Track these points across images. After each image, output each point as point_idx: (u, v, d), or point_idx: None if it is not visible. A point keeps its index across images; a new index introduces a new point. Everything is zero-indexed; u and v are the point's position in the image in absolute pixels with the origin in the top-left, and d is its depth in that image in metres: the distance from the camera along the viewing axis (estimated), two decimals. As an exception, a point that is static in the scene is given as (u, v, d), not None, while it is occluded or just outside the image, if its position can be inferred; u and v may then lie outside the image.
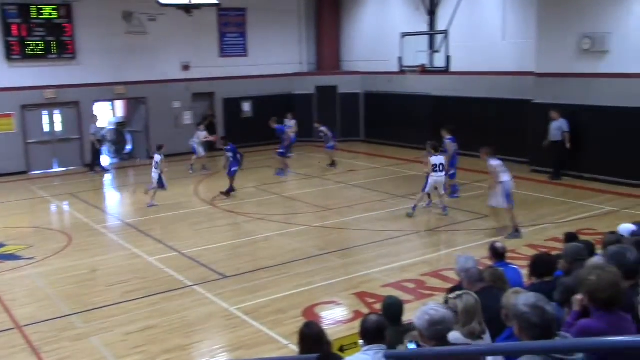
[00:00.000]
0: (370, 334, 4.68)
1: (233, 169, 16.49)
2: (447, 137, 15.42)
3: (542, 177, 17.54)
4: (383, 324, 4.73)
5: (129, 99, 23.38)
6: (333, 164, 19.98)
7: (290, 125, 21.47)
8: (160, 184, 15.72)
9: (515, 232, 12.16)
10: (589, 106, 16.74)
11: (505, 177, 12.24)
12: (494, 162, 12.25)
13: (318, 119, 22.48)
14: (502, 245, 7.37)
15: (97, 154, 21.21)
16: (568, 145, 16.89)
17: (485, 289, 5.60)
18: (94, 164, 21.14)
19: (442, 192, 14.05)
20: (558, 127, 17.03)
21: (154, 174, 15.73)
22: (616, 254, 4.70)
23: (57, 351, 8.12)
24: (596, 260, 5.64)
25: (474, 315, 4.68)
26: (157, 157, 15.79)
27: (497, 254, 7.25)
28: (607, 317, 4.01)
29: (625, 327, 4.00)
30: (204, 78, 23.71)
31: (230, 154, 16.64)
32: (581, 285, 4.17)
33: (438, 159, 13.83)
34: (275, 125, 19.77)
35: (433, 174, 13.67)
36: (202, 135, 20.58)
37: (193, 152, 20.53)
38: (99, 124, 21.53)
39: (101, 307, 9.48)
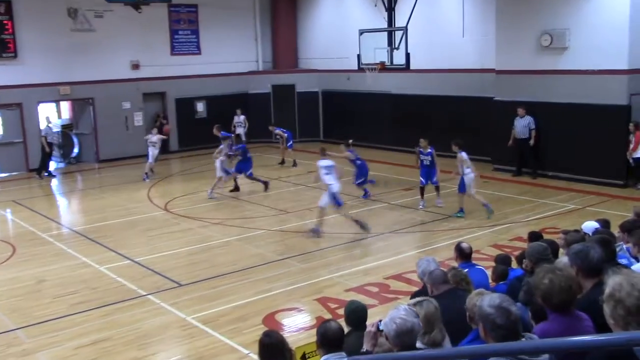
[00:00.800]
0: (328, 342, 4.69)
1: (249, 172, 17.20)
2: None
3: (504, 175, 17.85)
4: (340, 330, 4.74)
5: (75, 99, 22.97)
6: (294, 164, 20.03)
7: (240, 120, 21.44)
8: (225, 172, 16.73)
9: (461, 211, 13.87)
10: (549, 103, 17.12)
11: (469, 170, 13.74)
12: (464, 155, 13.60)
13: (273, 122, 22.40)
14: (467, 245, 7.48)
15: (46, 158, 20.61)
16: (532, 142, 17.28)
17: (450, 290, 5.68)
18: (42, 168, 20.56)
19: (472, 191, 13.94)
20: (525, 124, 17.35)
21: (217, 163, 16.87)
22: (580, 253, 4.82)
23: (3, 368, 7.94)
24: (566, 260, 5.78)
25: (435, 323, 4.73)
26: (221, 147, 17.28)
27: (463, 254, 7.36)
28: (563, 319, 4.16)
29: (581, 327, 4.14)
30: (155, 77, 23.46)
31: (239, 157, 17.11)
32: (536, 288, 4.31)
33: (466, 155, 13.92)
34: (221, 133, 18.21)
35: (467, 170, 13.78)
36: (155, 138, 19.94)
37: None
38: (49, 125, 20.82)
39: (49, 320, 9.28)
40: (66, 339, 8.54)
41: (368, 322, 4.91)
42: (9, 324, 9.23)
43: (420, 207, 14.76)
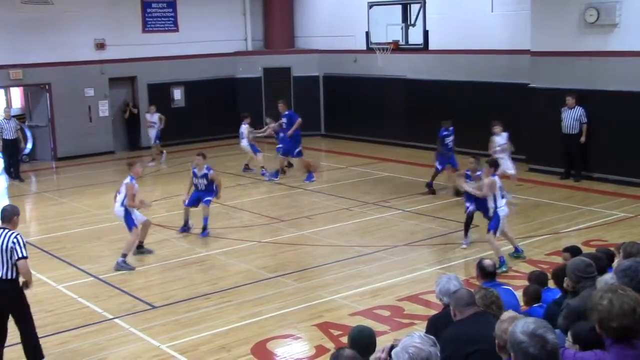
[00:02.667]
0: None
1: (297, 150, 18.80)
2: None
3: (541, 177, 17.87)
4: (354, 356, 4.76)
5: (28, 85, 23.00)
6: (289, 164, 19.99)
7: (154, 121, 21.44)
8: (254, 150, 19.29)
9: (502, 264, 11.54)
10: (594, 91, 17.13)
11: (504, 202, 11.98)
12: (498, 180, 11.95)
13: (269, 113, 21.93)
14: (491, 262, 7.50)
15: (10, 153, 20.30)
16: (583, 138, 17.09)
17: (477, 314, 5.68)
18: (11, 167, 20.36)
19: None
20: (575, 116, 17.19)
21: (244, 143, 19.27)
22: (628, 270, 4.80)
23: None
24: (608, 278, 5.79)
25: None
26: (242, 127, 19.22)
27: (485, 273, 7.37)
28: (625, 352, 4.08)
29: None
30: (124, 59, 23.50)
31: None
32: (592, 311, 4.25)
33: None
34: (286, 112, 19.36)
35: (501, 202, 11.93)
36: (155, 117, 21.42)
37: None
38: (5, 117, 20.53)
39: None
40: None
41: (378, 349, 4.93)
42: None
43: (464, 245, 12.91)
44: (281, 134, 19.06)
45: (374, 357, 4.81)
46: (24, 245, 8.22)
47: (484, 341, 5.00)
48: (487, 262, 7.47)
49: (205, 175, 14.05)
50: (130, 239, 12.37)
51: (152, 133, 21.66)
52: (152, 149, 21.84)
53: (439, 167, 16.59)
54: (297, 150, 18.80)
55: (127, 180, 12.38)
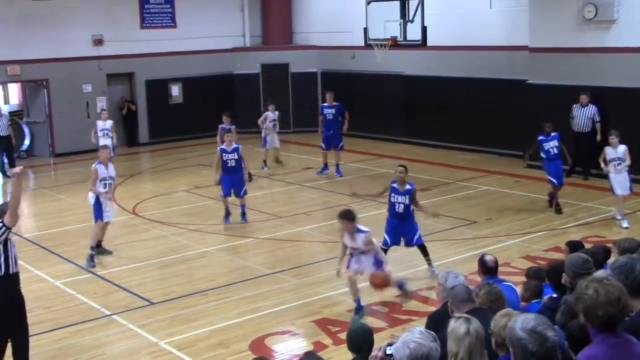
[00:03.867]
0: None
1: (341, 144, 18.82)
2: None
3: (541, 173, 17.82)
4: None
5: (25, 81, 22.97)
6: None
7: (107, 128, 19.00)
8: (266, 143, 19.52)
9: None
10: (592, 87, 17.13)
11: None
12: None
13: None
14: (492, 257, 7.49)
15: (5, 151, 20.29)
16: (599, 137, 16.73)
17: (474, 311, 5.69)
18: (3, 164, 20.29)
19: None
20: (589, 115, 17.03)
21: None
22: (623, 267, 4.79)
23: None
24: (600, 273, 5.79)
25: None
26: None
27: (487, 269, 7.37)
28: (610, 340, 4.11)
29: (632, 354, 4.10)
30: (121, 55, 23.46)
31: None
32: (578, 301, 4.27)
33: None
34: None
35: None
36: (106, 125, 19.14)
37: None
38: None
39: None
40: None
41: (375, 347, 4.92)
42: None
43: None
44: (325, 127, 18.87)
45: (371, 356, 4.81)
46: None
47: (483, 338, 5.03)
48: (489, 257, 7.45)
49: (236, 150, 14.28)
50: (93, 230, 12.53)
51: (105, 143, 17.40)
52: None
53: (555, 182, 14.55)
54: (342, 143, 18.87)
55: (94, 165, 12.61)
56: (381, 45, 19.85)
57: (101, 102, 23.32)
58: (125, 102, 23.93)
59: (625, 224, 13.29)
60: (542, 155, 14.68)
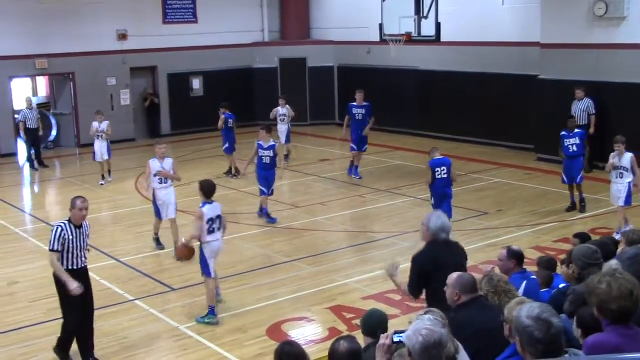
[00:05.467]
0: None
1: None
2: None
3: (550, 166, 17.77)
4: (356, 351, 4.75)
5: (52, 74, 23.10)
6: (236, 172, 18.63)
7: (103, 129, 17.57)
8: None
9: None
10: (602, 83, 17.00)
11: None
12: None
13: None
14: (519, 248, 7.28)
15: (33, 143, 20.14)
16: (592, 130, 16.74)
17: (475, 299, 5.69)
18: (33, 157, 20.11)
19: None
20: (583, 108, 16.97)
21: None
22: (633, 258, 4.78)
23: (-31, 382, 8.06)
24: (613, 264, 5.77)
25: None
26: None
27: (521, 260, 7.13)
28: (621, 331, 4.10)
29: None
30: (145, 49, 23.51)
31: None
32: (591, 295, 4.26)
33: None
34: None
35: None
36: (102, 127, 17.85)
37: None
38: (30, 107, 20.44)
39: (22, 328, 9.41)
40: (41, 348, 8.63)
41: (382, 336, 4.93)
42: (-24, 332, 9.37)
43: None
44: (353, 128, 17.44)
45: (378, 344, 4.81)
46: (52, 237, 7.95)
47: (480, 323, 5.14)
48: (516, 247, 7.27)
49: (272, 147, 13.85)
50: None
51: (100, 145, 17.59)
52: (103, 164, 17.79)
53: (565, 180, 14.17)
54: (367, 145, 17.65)
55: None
56: (396, 41, 19.78)
57: (125, 95, 23.44)
58: (148, 95, 24.01)
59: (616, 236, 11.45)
60: (562, 152, 14.06)
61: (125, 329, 9.28)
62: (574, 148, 13.84)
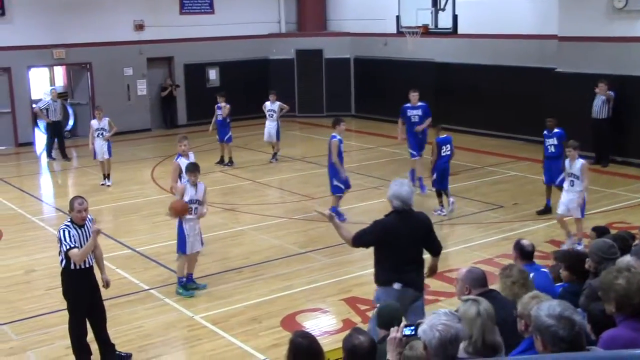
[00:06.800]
0: None
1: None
2: None
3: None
4: (371, 346, 4.73)
5: (70, 64, 23.19)
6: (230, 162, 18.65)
7: (103, 127, 16.66)
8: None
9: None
10: (622, 77, 16.85)
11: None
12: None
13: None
14: (529, 242, 7.26)
15: (55, 133, 19.93)
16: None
17: (485, 293, 5.67)
18: (51, 146, 19.97)
19: None
20: (605, 101, 16.82)
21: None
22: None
23: (-14, 368, 8.11)
24: (629, 259, 5.72)
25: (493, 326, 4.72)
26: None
27: (524, 254, 7.18)
28: (634, 324, 4.08)
29: None
30: (161, 40, 23.55)
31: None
32: (608, 291, 4.22)
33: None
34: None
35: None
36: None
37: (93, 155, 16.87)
38: (51, 97, 20.41)
39: (39, 316, 9.47)
40: (58, 336, 8.67)
41: (393, 329, 4.91)
42: (-6, 319, 9.43)
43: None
44: (409, 131, 15.65)
45: (389, 338, 4.80)
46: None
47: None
48: (525, 242, 7.25)
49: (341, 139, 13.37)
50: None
51: (101, 144, 16.49)
52: (104, 164, 16.72)
53: (545, 179, 13.46)
54: (421, 152, 15.62)
55: (175, 159, 11.75)
56: (413, 33, 19.68)
57: (141, 85, 23.49)
58: (169, 85, 24.00)
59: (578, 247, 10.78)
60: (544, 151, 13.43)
61: (141, 318, 9.32)
62: (552, 149, 13.16)
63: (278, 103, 18.76)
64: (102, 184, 16.55)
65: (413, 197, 7.15)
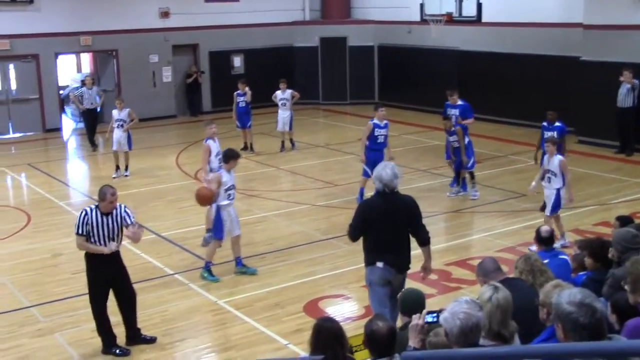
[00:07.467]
0: (375, 346, 4.73)
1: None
2: None
3: (591, 149, 17.51)
4: (389, 333, 4.74)
5: (96, 51, 23.33)
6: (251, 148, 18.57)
7: (122, 118, 16.12)
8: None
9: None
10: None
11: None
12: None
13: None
14: (548, 228, 7.26)
15: (90, 121, 19.59)
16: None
17: (505, 281, 5.64)
18: (93, 134, 19.50)
19: None
20: (630, 89, 16.62)
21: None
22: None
23: (15, 349, 8.23)
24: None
25: (509, 314, 4.71)
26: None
27: (541, 239, 7.16)
28: None
29: None
30: (187, 27, 23.61)
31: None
32: (635, 282, 4.21)
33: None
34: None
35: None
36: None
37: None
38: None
39: (66, 299, 9.58)
40: (84, 319, 8.75)
41: (415, 316, 4.92)
42: (23, 301, 9.56)
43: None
44: (452, 137, 13.83)
45: (411, 325, 4.81)
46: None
47: (515, 307, 5.01)
48: (544, 228, 7.25)
49: (387, 125, 13.36)
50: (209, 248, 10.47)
51: (119, 135, 16.02)
52: (119, 155, 16.27)
53: None
54: (473, 160, 13.94)
55: (204, 141, 11.79)
56: (437, 21, 19.62)
57: (167, 72, 23.58)
58: (194, 72, 24.06)
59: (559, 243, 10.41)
60: (540, 143, 12.88)
61: (165, 302, 9.39)
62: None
63: (289, 91, 18.51)
64: (115, 177, 15.85)
65: (397, 180, 7.27)
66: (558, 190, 10.80)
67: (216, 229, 10.11)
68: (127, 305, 8.23)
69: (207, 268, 10.15)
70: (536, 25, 19.94)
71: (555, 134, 12.72)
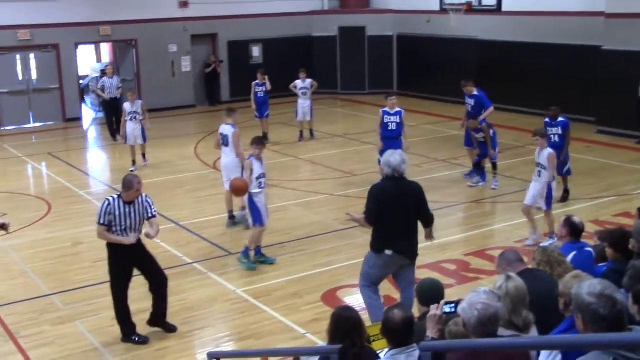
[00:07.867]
0: (391, 334, 4.73)
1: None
2: None
3: (611, 139, 17.36)
4: (405, 321, 4.73)
5: (116, 41, 23.41)
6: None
7: (136, 111, 15.90)
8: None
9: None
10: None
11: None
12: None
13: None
14: (580, 219, 7.10)
15: (112, 111, 19.28)
16: None
17: (525, 271, 5.62)
18: (114, 127, 19.03)
19: None
20: None
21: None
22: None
23: (36, 336, 8.30)
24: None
25: (524, 304, 4.70)
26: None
27: (576, 231, 7.02)
28: None
29: None
30: (205, 17, 23.63)
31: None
32: None
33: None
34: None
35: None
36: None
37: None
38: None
39: (86, 287, 9.65)
40: (104, 307, 8.81)
41: (432, 307, 4.91)
42: (44, 289, 9.64)
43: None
44: (478, 134, 13.96)
45: (429, 315, 4.80)
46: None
47: (535, 297, 4.99)
48: (577, 219, 7.10)
49: (399, 113, 13.50)
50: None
51: (133, 128, 15.84)
52: (135, 148, 16.10)
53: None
54: (497, 151, 14.02)
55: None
56: (456, 10, 19.49)
57: (186, 62, 23.62)
58: (213, 62, 24.08)
59: (529, 242, 10.60)
60: None
61: (184, 290, 9.43)
62: (556, 139, 12.38)
63: (309, 80, 18.48)
64: (132, 170, 15.22)
65: (404, 165, 7.54)
66: (550, 184, 10.64)
67: (255, 217, 10.14)
68: (158, 289, 8.24)
69: (245, 254, 10.19)
70: (556, 15, 19.77)
71: (559, 129, 12.55)
